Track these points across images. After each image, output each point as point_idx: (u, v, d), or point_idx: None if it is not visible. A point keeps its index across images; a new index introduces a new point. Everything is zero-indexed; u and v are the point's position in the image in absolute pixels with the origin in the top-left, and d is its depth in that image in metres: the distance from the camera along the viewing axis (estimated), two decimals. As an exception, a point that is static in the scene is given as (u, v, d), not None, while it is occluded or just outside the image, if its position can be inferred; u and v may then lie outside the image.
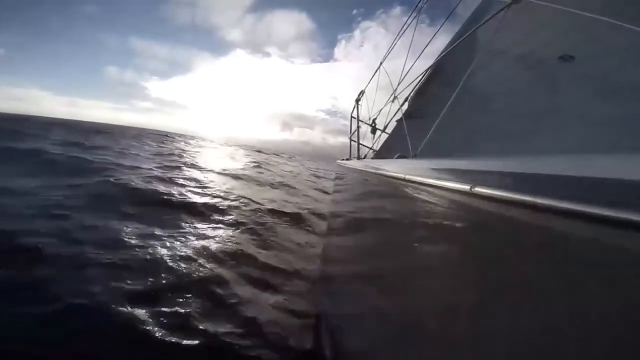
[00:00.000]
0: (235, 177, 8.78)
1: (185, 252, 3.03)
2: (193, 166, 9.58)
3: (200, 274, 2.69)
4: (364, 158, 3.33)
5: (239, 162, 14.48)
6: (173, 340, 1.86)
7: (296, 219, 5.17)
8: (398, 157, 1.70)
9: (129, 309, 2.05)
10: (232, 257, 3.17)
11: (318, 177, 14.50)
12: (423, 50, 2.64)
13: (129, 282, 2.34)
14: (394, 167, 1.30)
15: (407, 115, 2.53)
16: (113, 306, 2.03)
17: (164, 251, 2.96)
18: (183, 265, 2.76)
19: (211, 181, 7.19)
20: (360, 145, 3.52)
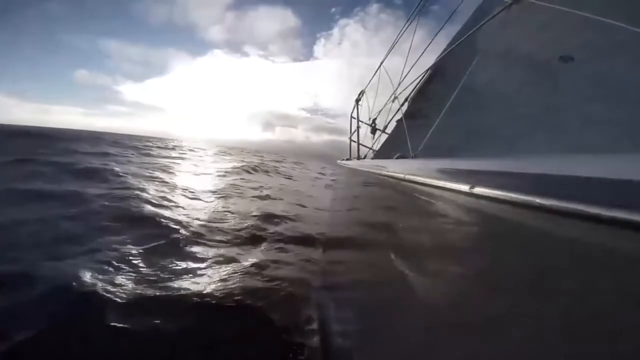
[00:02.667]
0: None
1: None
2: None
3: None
4: (364, 158, 3.33)
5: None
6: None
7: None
8: (398, 157, 1.71)
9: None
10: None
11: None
12: (424, 51, 2.64)
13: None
14: (394, 167, 1.30)
15: (407, 115, 2.53)
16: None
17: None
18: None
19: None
20: (360, 146, 3.52)
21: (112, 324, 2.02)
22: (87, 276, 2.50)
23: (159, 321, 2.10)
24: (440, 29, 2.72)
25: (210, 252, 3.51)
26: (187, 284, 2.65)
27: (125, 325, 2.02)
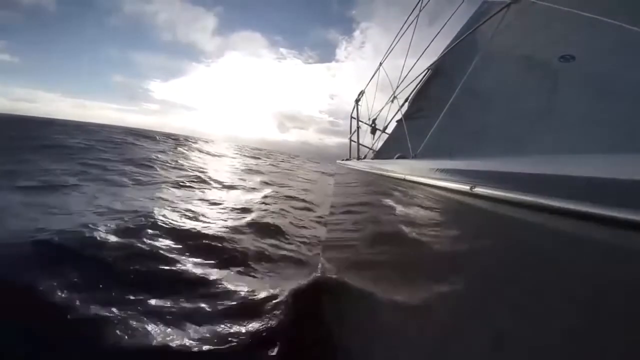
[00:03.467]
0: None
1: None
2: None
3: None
4: (364, 158, 3.33)
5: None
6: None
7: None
8: (398, 158, 1.70)
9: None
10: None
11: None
12: (424, 52, 2.64)
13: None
14: (394, 168, 1.30)
15: (407, 115, 2.53)
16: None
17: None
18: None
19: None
20: (360, 146, 3.52)
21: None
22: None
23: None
24: (441, 29, 2.71)
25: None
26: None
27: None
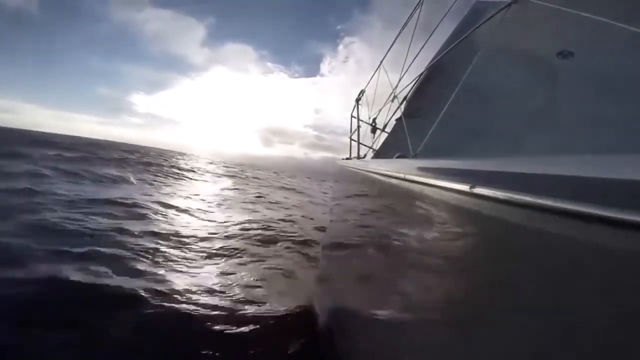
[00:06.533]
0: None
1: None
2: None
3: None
4: (364, 157, 3.33)
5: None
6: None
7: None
8: (398, 157, 1.70)
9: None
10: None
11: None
12: (420, 50, 2.63)
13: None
14: (394, 167, 1.30)
15: (407, 114, 2.52)
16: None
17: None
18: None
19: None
20: (360, 145, 3.51)
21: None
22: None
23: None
24: (435, 29, 2.70)
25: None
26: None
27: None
